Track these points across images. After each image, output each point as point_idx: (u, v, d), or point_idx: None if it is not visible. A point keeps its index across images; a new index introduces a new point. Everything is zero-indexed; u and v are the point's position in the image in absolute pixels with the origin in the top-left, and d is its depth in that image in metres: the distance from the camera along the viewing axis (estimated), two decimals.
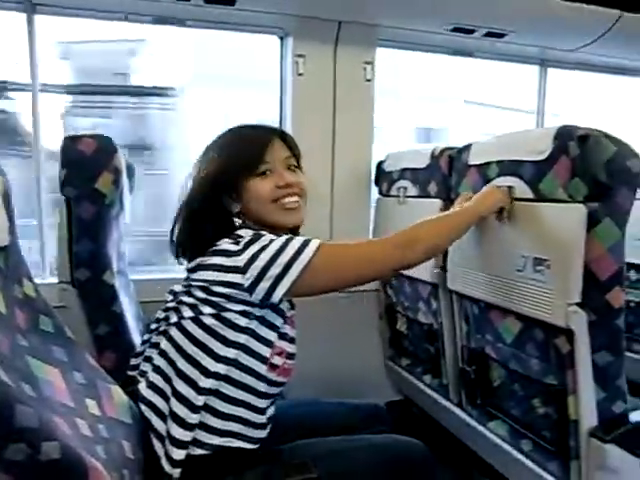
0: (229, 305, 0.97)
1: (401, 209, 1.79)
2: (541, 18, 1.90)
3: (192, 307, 1.00)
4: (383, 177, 1.95)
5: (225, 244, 0.99)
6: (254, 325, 1.00)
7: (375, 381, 2.07)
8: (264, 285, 0.95)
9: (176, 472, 0.99)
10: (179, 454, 0.99)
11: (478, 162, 1.40)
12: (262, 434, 1.07)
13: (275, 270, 0.94)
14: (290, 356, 1.08)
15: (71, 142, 1.36)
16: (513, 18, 1.92)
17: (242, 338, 0.99)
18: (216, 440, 1.01)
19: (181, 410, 1.00)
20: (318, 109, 1.96)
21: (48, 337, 1.13)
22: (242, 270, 0.95)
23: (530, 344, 1.26)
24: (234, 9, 1.72)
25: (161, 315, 1.08)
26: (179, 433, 0.99)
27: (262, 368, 1.02)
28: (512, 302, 1.26)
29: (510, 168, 1.27)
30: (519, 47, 2.17)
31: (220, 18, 1.80)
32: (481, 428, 1.48)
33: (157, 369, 1.05)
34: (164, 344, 1.05)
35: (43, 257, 1.75)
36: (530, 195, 1.22)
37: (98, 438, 1.01)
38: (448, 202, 1.57)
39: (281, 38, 1.96)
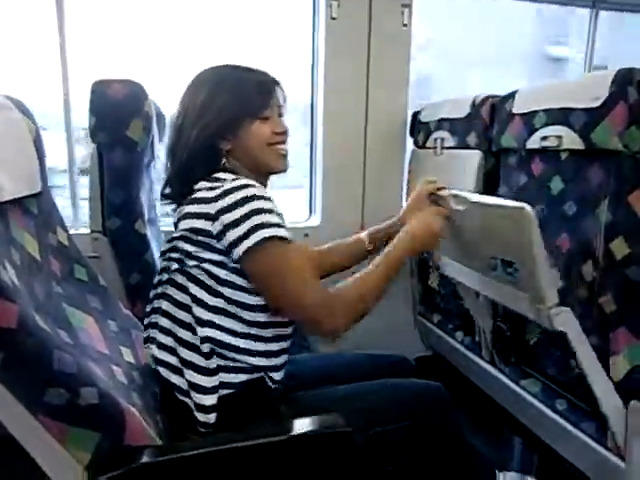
0: (206, 255, 0.98)
1: (438, 161, 1.73)
2: None
3: (178, 261, 1.02)
4: (419, 128, 1.87)
5: (202, 192, 0.99)
6: (233, 277, 0.99)
7: (404, 336, 2.05)
8: (229, 237, 0.95)
9: (211, 417, 1.00)
10: (211, 399, 1.00)
11: (523, 110, 1.32)
12: (278, 376, 1.08)
13: (241, 229, 0.94)
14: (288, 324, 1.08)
15: (100, 87, 1.33)
16: None
17: (226, 291, 1.00)
18: (240, 377, 1.02)
19: (194, 357, 1.01)
20: (351, 55, 1.87)
21: (83, 285, 1.14)
22: (213, 217, 0.96)
23: (572, 302, 1.22)
24: None
25: (163, 265, 1.09)
26: (203, 380, 1.00)
27: (255, 315, 1.02)
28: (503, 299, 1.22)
29: (559, 117, 1.19)
30: None
31: None
32: (514, 386, 1.46)
33: (162, 329, 1.07)
34: (165, 304, 1.07)
35: (75, 207, 1.75)
36: (580, 146, 1.15)
37: (133, 385, 1.03)
38: (488, 154, 1.50)
39: None
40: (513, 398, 1.46)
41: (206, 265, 0.99)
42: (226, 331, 1.01)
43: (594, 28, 2.26)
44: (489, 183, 1.52)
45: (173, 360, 1.04)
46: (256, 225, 0.93)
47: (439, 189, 1.26)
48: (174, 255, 1.03)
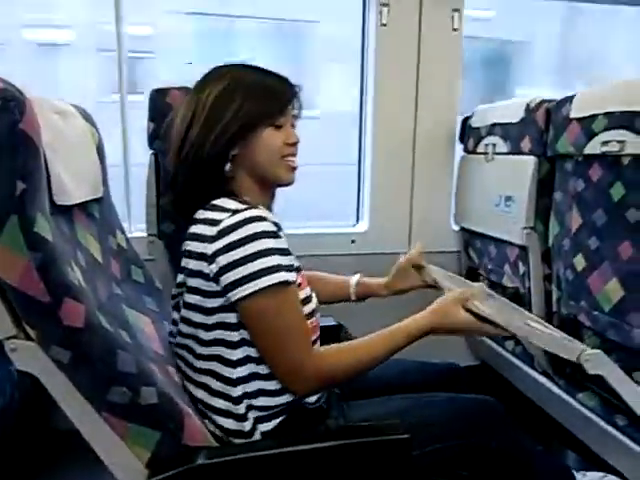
0: (211, 303, 0.93)
1: (489, 167, 1.70)
2: None
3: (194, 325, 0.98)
4: (469, 133, 1.85)
5: (201, 226, 0.94)
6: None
7: (452, 344, 2.02)
8: (224, 281, 0.90)
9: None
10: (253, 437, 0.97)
11: (581, 115, 1.28)
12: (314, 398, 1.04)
13: (243, 271, 0.88)
14: (308, 316, 1.02)
15: (158, 95, 1.37)
16: None
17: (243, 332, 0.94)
18: (278, 400, 0.98)
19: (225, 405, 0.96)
20: (402, 61, 1.87)
21: (140, 287, 1.17)
22: (209, 258, 0.90)
23: (634, 314, 1.17)
24: None
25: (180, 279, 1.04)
26: (239, 426, 0.96)
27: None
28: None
29: (621, 120, 1.15)
30: None
31: None
32: (569, 399, 1.41)
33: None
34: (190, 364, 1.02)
35: (129, 211, 1.80)
36: None
37: None
38: (543, 160, 1.47)
39: None
40: (568, 412, 1.41)
41: (216, 317, 0.94)
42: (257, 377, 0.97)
43: None
44: (543, 189, 1.48)
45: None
46: (255, 271, 0.87)
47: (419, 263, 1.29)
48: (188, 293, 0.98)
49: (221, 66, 1.05)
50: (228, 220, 0.90)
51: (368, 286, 1.33)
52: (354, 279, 1.33)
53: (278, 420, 0.98)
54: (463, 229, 1.95)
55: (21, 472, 1.54)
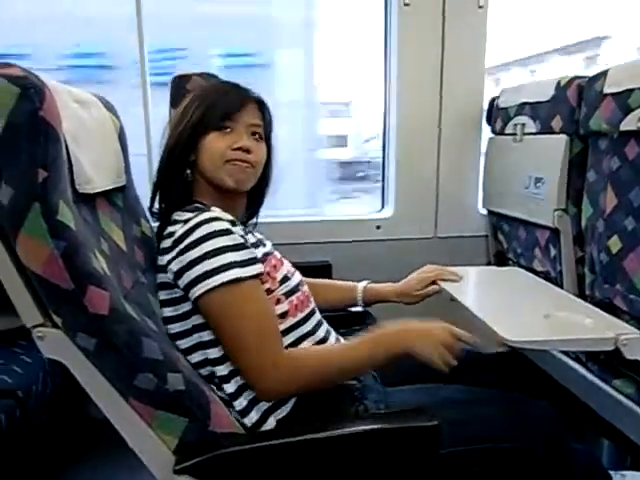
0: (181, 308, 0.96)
1: (518, 147, 1.65)
2: None
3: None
4: (497, 114, 1.79)
5: (164, 240, 0.98)
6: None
7: (479, 329, 1.99)
8: (180, 284, 0.92)
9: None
10: (268, 425, 0.96)
11: (616, 90, 1.23)
12: None
13: (192, 274, 0.90)
14: (290, 293, 1.03)
15: (180, 81, 1.36)
16: None
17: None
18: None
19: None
20: (425, 41, 1.82)
21: None
22: (164, 268, 0.95)
23: None
24: None
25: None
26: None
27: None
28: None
29: None
30: None
31: None
32: (604, 385, 1.37)
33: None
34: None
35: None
36: None
37: None
38: (575, 138, 1.41)
39: None
40: (603, 399, 1.37)
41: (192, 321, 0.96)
42: None
43: None
44: (575, 170, 1.43)
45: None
46: (204, 273, 0.89)
47: (442, 279, 1.26)
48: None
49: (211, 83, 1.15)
50: (181, 229, 0.93)
51: (377, 291, 1.32)
52: (361, 284, 1.32)
53: (290, 406, 0.97)
54: (491, 212, 1.90)
55: (54, 459, 1.58)
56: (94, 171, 0.91)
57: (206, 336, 0.95)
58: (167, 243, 0.96)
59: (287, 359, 0.93)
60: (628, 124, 1.19)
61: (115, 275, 0.88)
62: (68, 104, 0.89)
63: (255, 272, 0.94)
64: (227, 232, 0.92)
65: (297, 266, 1.21)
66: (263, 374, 0.90)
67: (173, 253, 0.93)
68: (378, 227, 1.93)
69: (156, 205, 1.10)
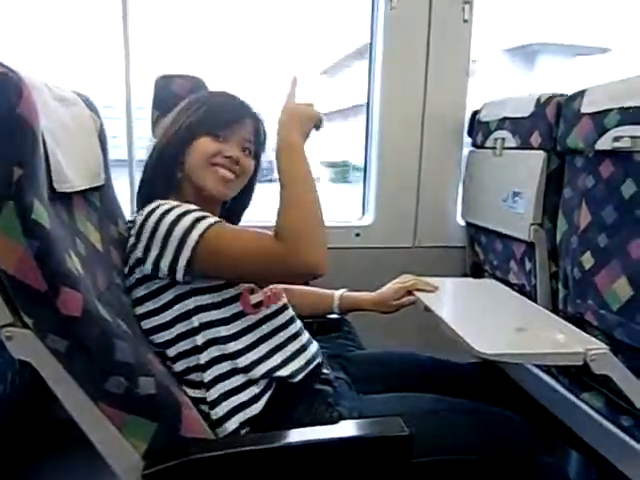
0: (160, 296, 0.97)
1: (497, 161, 1.67)
2: None
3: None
4: (478, 127, 1.82)
5: (130, 238, 1.00)
6: (198, 301, 0.97)
7: (456, 342, 2.01)
8: (163, 269, 0.92)
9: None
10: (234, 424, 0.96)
11: (593, 110, 1.25)
12: (297, 364, 1.04)
13: (170, 247, 0.91)
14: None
15: (164, 82, 1.35)
16: None
17: (202, 318, 0.97)
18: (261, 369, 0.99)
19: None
20: (410, 48, 1.83)
21: None
22: (143, 260, 0.95)
23: None
24: None
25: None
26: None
27: (244, 319, 1.00)
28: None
29: (635, 116, 1.13)
30: None
31: None
32: (573, 398, 1.39)
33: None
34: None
35: (133, 199, 1.79)
36: None
37: None
38: (553, 154, 1.44)
39: None
40: (572, 411, 1.39)
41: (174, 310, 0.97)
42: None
43: None
44: (552, 185, 1.46)
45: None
46: (180, 239, 0.90)
47: (417, 289, 1.28)
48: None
49: (214, 90, 1.17)
50: (139, 219, 0.96)
51: (353, 300, 1.33)
52: (338, 293, 1.33)
53: (261, 405, 0.97)
54: (469, 224, 1.93)
55: (21, 460, 1.55)
56: (72, 170, 0.90)
57: (185, 326, 0.96)
58: (132, 239, 0.98)
59: (279, 232, 0.91)
60: (603, 144, 1.22)
61: (89, 276, 0.87)
62: (48, 101, 0.88)
63: (218, 220, 0.95)
64: (178, 205, 0.95)
65: None
66: (281, 258, 0.89)
67: (142, 244, 0.94)
68: (357, 234, 1.94)
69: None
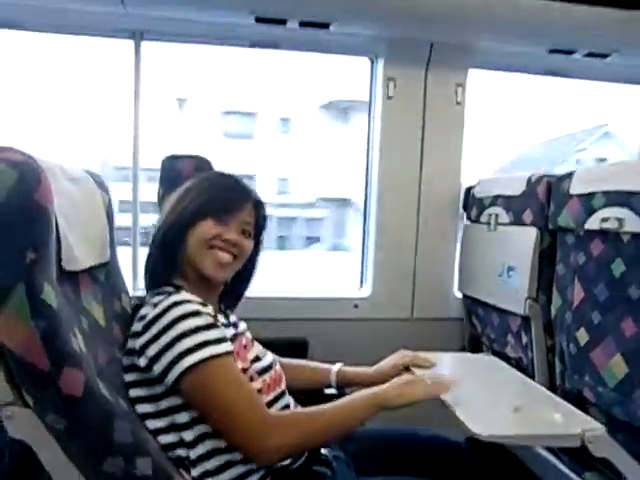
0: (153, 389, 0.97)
1: (492, 236, 1.72)
2: None
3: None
4: (473, 203, 1.88)
5: (136, 323, 1.00)
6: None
7: (450, 419, 1.98)
8: (155, 371, 0.94)
9: None
10: None
11: (581, 191, 1.31)
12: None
13: (170, 356, 0.92)
14: (262, 372, 1.07)
15: (171, 162, 1.42)
16: (619, 37, 1.80)
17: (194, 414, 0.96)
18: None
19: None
20: (407, 132, 1.93)
21: None
22: (138, 352, 0.96)
23: (637, 390, 1.15)
24: (327, 32, 1.74)
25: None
26: None
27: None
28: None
29: (619, 199, 1.18)
30: (626, 67, 2.04)
31: (314, 41, 1.83)
32: (575, 477, 1.37)
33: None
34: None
35: (135, 275, 1.82)
36: None
37: None
38: (545, 232, 1.49)
39: (371, 61, 1.96)
40: None
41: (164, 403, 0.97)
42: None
43: None
44: (546, 261, 1.49)
45: None
46: (180, 353, 0.91)
47: (415, 365, 1.27)
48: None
49: (215, 172, 1.21)
50: (151, 313, 0.96)
51: (350, 375, 1.32)
52: (335, 367, 1.33)
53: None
54: (466, 296, 1.95)
55: None
56: (80, 248, 0.94)
57: (180, 418, 0.95)
58: (138, 327, 0.98)
59: (276, 417, 0.95)
60: (592, 224, 1.27)
61: (91, 352, 0.88)
62: (60, 182, 0.93)
63: (229, 349, 0.96)
64: (197, 313, 0.96)
65: (273, 342, 1.22)
66: (258, 435, 0.91)
67: (145, 337, 0.95)
68: (356, 306, 1.96)
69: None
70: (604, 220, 1.23)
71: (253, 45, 1.84)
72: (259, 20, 1.65)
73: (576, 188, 1.33)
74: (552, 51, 1.87)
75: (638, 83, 2.22)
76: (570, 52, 1.87)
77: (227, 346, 0.96)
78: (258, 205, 1.15)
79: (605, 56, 1.88)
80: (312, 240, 9.24)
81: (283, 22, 1.67)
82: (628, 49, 1.86)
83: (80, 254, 0.93)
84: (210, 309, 1.02)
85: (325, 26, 1.69)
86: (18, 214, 0.74)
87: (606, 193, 1.22)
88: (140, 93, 1.80)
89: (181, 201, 1.10)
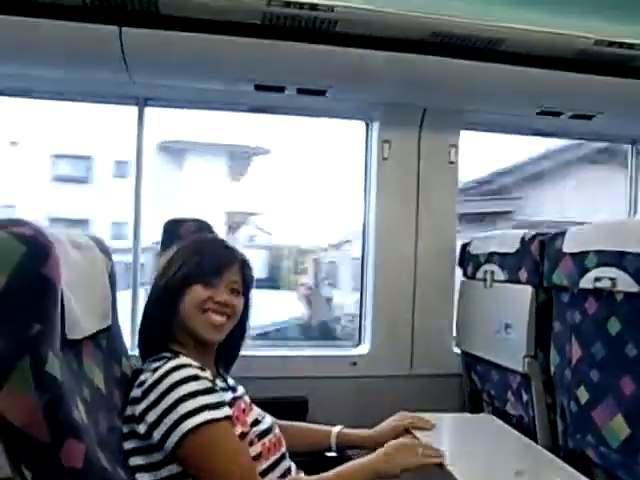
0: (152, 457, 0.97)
1: (488, 293, 1.74)
2: (634, 99, 1.86)
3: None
4: (468, 259, 1.91)
5: (135, 390, 1.01)
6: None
7: None
8: (155, 437, 0.94)
9: None
10: None
11: (574, 250, 1.34)
12: None
13: (168, 421, 0.93)
14: (262, 435, 1.07)
15: (172, 225, 1.45)
16: (601, 101, 1.89)
17: None
18: None
19: None
20: (402, 191, 1.98)
21: None
22: (137, 419, 0.96)
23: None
24: (324, 98, 1.81)
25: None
26: None
27: None
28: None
29: (611, 259, 1.21)
30: (608, 127, 2.12)
31: (310, 106, 1.90)
32: None
33: None
34: None
35: (134, 337, 1.81)
36: (634, 288, 1.15)
37: None
38: (540, 289, 1.51)
39: (367, 124, 2.03)
40: None
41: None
42: None
43: (636, 166, 2.32)
44: (542, 317, 1.51)
45: None
46: (180, 417, 0.92)
47: (415, 428, 1.27)
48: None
49: (203, 236, 1.26)
50: (150, 379, 0.97)
51: (350, 438, 1.32)
52: (335, 430, 1.32)
53: None
54: (465, 353, 1.94)
55: None
56: (84, 316, 0.95)
57: None
58: (137, 393, 0.98)
59: None
60: (586, 282, 1.29)
61: (92, 421, 0.88)
62: (67, 251, 0.95)
63: (228, 413, 0.97)
64: (196, 377, 0.97)
65: (273, 401, 1.22)
66: None
67: (145, 404, 0.95)
68: (354, 363, 1.95)
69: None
70: (597, 279, 1.25)
71: (252, 110, 1.92)
72: (258, 88, 1.72)
73: (569, 247, 1.36)
74: (540, 113, 1.94)
75: (621, 142, 2.31)
76: (557, 114, 1.95)
77: (226, 411, 0.97)
78: (244, 264, 1.18)
79: (590, 117, 1.96)
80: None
81: (281, 89, 1.74)
82: (611, 111, 1.94)
83: (83, 322, 0.94)
84: (208, 373, 1.03)
85: (322, 93, 1.77)
86: (25, 287, 0.75)
87: (598, 252, 1.25)
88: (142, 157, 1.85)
89: (170, 267, 1.12)
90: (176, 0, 1.38)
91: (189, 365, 0.99)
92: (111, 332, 1.14)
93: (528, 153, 4.61)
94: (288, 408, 1.42)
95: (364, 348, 2.00)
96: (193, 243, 1.19)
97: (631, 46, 1.57)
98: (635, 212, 2.31)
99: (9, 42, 1.48)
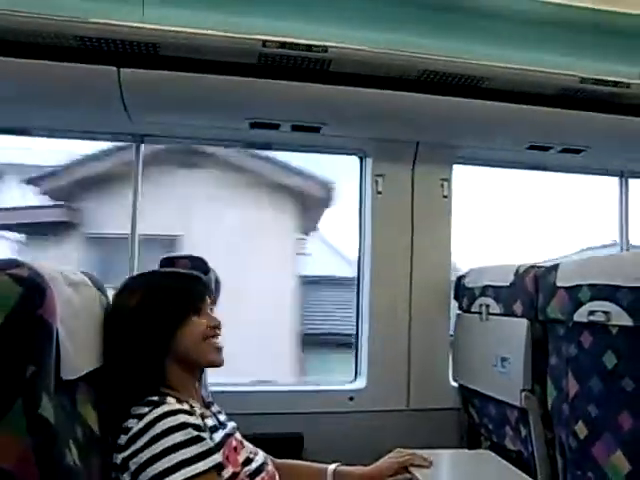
0: None
1: (484, 326, 1.74)
2: (620, 134, 1.91)
3: None
4: (463, 292, 1.92)
5: (122, 436, 0.98)
6: None
7: None
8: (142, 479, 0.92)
9: None
10: None
11: (567, 284, 1.35)
12: None
13: (151, 472, 0.91)
14: (255, 474, 1.06)
15: (168, 262, 1.45)
16: (589, 136, 1.93)
17: None
18: None
19: None
20: (396, 225, 2.00)
21: None
22: (121, 467, 0.95)
23: None
24: (318, 134, 1.84)
25: None
26: None
27: None
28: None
29: (605, 293, 1.22)
30: (597, 160, 2.16)
31: (305, 142, 1.94)
32: None
33: None
34: None
35: None
36: (629, 322, 1.15)
37: None
38: (535, 322, 1.51)
39: (360, 158, 2.07)
40: None
41: None
42: None
43: (625, 198, 2.35)
44: (539, 351, 1.51)
45: None
46: (161, 472, 0.90)
47: (412, 465, 1.27)
48: None
49: (138, 275, 1.22)
50: (136, 427, 0.95)
51: (347, 475, 1.29)
52: (331, 468, 1.30)
53: None
54: (462, 386, 1.93)
55: None
56: (78, 356, 0.94)
57: None
58: (122, 440, 0.96)
59: None
60: (580, 316, 1.30)
61: (85, 464, 0.86)
62: (62, 289, 0.95)
63: (212, 464, 0.94)
64: (182, 427, 0.94)
65: (268, 438, 1.20)
66: None
67: (129, 451, 0.94)
68: (351, 398, 1.93)
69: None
70: (591, 313, 1.26)
71: (247, 146, 1.95)
72: (254, 126, 1.75)
73: (562, 280, 1.37)
74: (530, 147, 1.98)
75: (610, 175, 2.35)
76: (546, 148, 1.99)
77: (213, 459, 0.95)
78: (206, 282, 1.21)
79: (579, 151, 2.00)
80: None
81: (276, 127, 1.77)
82: (599, 146, 1.98)
83: (78, 361, 0.94)
84: (197, 412, 1.01)
85: (316, 129, 1.80)
86: (21, 329, 0.75)
87: (591, 286, 1.26)
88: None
89: (147, 311, 1.09)
90: (174, 42, 1.42)
91: (176, 412, 0.96)
92: (105, 369, 1.13)
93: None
94: (283, 444, 1.40)
95: (361, 383, 1.99)
96: (161, 279, 1.17)
97: (616, 84, 1.61)
98: (627, 244, 2.33)
99: (9, 83, 1.51)
